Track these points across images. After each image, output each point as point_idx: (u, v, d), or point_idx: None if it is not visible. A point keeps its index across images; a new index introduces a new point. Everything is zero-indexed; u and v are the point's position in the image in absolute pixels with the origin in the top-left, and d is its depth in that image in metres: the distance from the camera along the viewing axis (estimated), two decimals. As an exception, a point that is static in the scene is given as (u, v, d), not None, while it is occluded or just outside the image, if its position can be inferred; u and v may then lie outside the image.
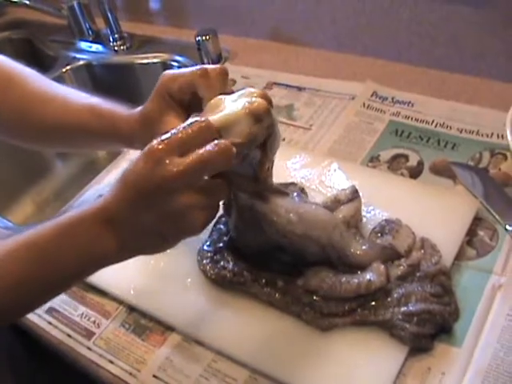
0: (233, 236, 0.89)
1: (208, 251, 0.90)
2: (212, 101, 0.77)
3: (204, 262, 0.89)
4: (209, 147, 0.66)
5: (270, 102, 0.75)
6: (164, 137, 0.66)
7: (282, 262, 0.84)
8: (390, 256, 0.82)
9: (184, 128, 0.67)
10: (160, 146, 0.65)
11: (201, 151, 0.66)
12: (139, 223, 0.68)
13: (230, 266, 0.87)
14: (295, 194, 0.89)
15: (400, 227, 0.86)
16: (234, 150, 0.68)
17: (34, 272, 0.69)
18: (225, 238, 0.90)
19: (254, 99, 0.73)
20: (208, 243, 0.91)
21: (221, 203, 0.78)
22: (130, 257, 0.73)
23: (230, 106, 0.74)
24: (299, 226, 0.79)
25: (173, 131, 0.67)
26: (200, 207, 0.68)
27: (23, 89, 0.99)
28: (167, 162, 0.65)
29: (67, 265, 0.70)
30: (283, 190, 0.85)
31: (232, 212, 0.85)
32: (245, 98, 0.74)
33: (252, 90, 0.76)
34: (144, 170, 0.66)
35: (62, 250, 0.69)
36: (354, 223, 0.86)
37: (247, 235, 0.86)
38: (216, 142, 0.67)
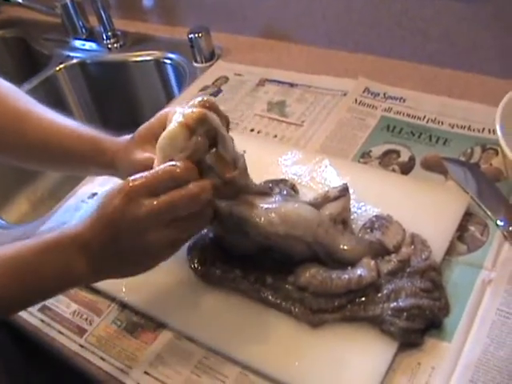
0: (218, 242, 0.89)
1: (196, 248, 0.90)
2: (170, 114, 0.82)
3: (193, 259, 0.89)
4: (180, 191, 0.71)
5: (209, 106, 0.78)
6: (138, 176, 0.71)
7: (271, 259, 0.84)
8: (378, 251, 0.82)
9: (159, 171, 0.72)
10: (133, 186, 0.71)
11: (171, 194, 0.71)
12: (111, 252, 0.74)
13: (219, 263, 0.87)
14: (284, 191, 0.89)
15: (390, 223, 0.86)
16: (209, 193, 0.73)
17: (13, 285, 0.74)
18: (211, 235, 0.90)
19: (186, 111, 0.76)
20: (196, 239, 0.91)
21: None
22: (103, 279, 0.80)
23: (172, 122, 0.77)
24: (281, 226, 0.79)
25: (147, 173, 0.71)
26: (168, 242, 0.74)
27: (4, 104, 0.96)
28: (138, 201, 0.70)
29: (43, 281, 0.76)
30: (264, 189, 0.86)
31: (213, 221, 0.83)
32: (182, 110, 0.77)
33: (197, 99, 0.79)
34: (118, 206, 0.70)
35: (40, 268, 0.75)
36: (340, 220, 0.86)
37: (232, 241, 0.87)
38: (189, 186, 0.72)
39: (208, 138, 0.76)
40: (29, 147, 0.97)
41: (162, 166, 0.72)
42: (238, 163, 0.80)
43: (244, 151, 0.82)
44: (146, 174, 0.71)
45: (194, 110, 0.76)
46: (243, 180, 0.82)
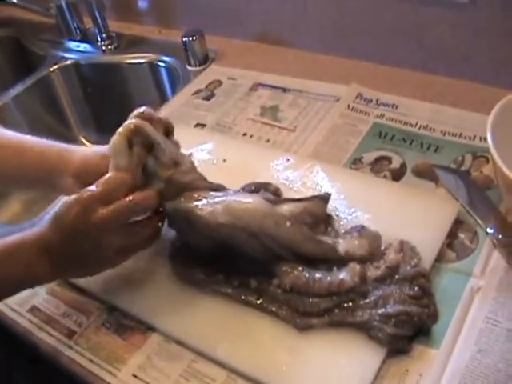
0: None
1: (180, 251, 0.91)
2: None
3: (176, 262, 0.90)
4: (127, 199, 0.80)
5: (146, 117, 0.86)
6: (93, 187, 0.80)
7: (252, 262, 0.84)
8: (328, 252, 0.83)
9: (104, 181, 0.81)
10: (88, 197, 0.80)
11: (119, 203, 0.80)
12: (70, 254, 0.82)
13: (202, 266, 0.88)
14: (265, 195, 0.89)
15: (360, 236, 0.85)
16: (152, 200, 0.83)
17: None
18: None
19: (125, 123, 0.84)
20: (179, 243, 0.92)
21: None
22: (62, 278, 0.93)
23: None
24: (224, 216, 0.81)
25: (99, 185, 0.81)
26: (118, 247, 0.82)
27: None
28: (93, 211, 0.79)
29: (8, 280, 0.82)
30: (216, 186, 0.89)
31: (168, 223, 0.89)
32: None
33: (135, 111, 0.87)
34: (75, 215, 0.79)
35: (5, 266, 0.81)
36: (301, 220, 0.84)
37: (188, 239, 0.89)
38: (134, 194, 0.81)
39: (146, 146, 0.84)
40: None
41: (111, 178, 0.82)
42: (181, 164, 0.86)
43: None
44: (97, 185, 0.80)
45: (132, 121, 0.84)
46: (186, 177, 0.87)
